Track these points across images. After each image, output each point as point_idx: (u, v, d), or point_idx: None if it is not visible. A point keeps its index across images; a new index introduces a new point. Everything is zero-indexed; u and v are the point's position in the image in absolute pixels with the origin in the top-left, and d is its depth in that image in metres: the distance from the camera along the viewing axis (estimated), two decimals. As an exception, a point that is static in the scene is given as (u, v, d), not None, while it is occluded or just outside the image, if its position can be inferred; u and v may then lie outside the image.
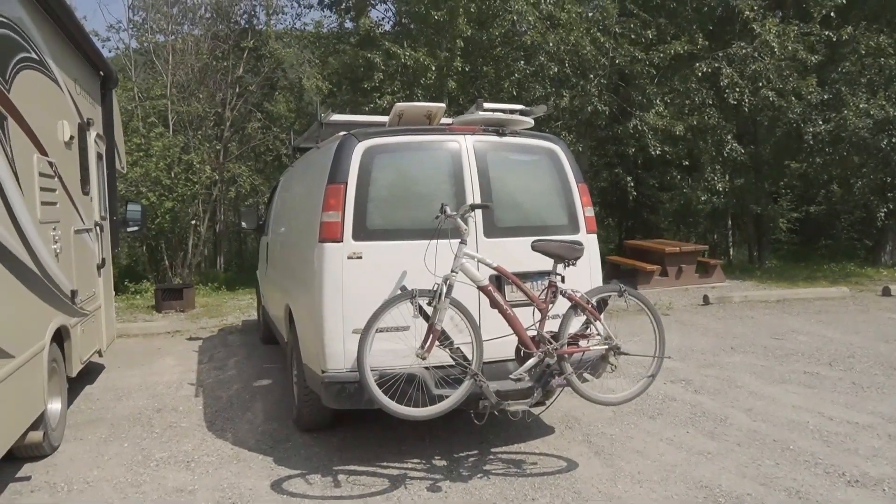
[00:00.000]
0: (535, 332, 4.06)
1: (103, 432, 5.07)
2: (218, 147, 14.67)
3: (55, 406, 4.70)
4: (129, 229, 7.82)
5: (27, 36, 4.62)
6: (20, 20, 4.49)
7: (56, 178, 5.05)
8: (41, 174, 4.62)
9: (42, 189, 4.61)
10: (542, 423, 5.04)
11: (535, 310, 4.10)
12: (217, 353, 7.78)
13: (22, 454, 4.34)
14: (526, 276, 4.32)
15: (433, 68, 13.40)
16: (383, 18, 17.26)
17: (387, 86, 13.81)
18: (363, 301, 4.12)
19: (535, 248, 4.17)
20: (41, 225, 4.53)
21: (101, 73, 7.06)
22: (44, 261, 4.53)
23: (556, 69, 13.43)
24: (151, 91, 14.46)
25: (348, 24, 16.61)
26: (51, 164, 4.90)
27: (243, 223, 8.33)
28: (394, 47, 13.39)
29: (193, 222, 13.51)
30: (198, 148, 13.78)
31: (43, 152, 4.72)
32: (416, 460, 4.43)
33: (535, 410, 4.69)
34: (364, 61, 13.95)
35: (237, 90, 15.46)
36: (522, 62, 13.76)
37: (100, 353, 6.26)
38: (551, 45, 13.23)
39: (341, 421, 5.00)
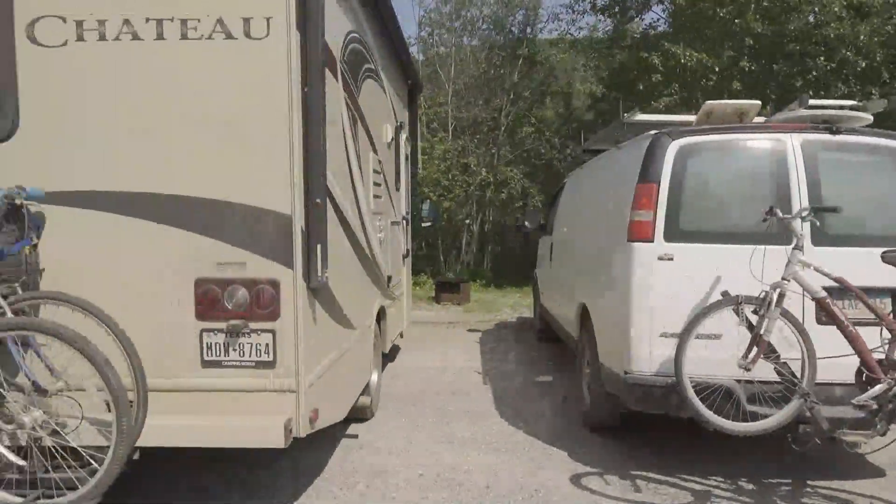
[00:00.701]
0: (881, 356, 3.57)
1: (410, 406, 5.57)
2: (493, 151, 15.41)
3: (375, 377, 5.28)
4: (423, 224, 8.55)
5: (369, 49, 5.25)
6: (366, 36, 5.12)
7: (381, 175, 5.66)
8: (374, 171, 5.21)
9: (374, 184, 5.20)
10: (868, 462, 4.42)
11: (883, 330, 3.60)
12: (496, 346, 8.15)
13: (351, 415, 4.93)
14: (864, 292, 3.81)
15: (716, 69, 12.63)
16: (658, 20, 16.66)
17: (663, 88, 13.35)
18: (673, 304, 4.02)
19: (886, 259, 3.66)
20: (373, 215, 5.11)
21: (409, 80, 7.79)
22: (374, 247, 5.10)
23: (863, 64, 11.81)
24: (435, 99, 15.67)
25: (622, 27, 16.42)
26: (379, 161, 5.51)
27: (526, 223, 8.62)
28: (673, 47, 12.88)
29: (467, 221, 14.37)
30: (474, 151, 14.62)
31: (374, 151, 5.32)
32: (719, 478, 4.16)
33: (866, 448, 4.12)
34: (640, 63, 13.65)
35: (511, 96, 16.09)
36: (822, 58, 12.33)
37: (401, 335, 6.91)
38: (862, 37, 11.66)
39: (630, 424, 4.89)
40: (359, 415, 4.96)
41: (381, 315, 5.51)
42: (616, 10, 16.17)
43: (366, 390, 4.84)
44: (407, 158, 7.62)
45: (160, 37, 3.13)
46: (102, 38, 3.13)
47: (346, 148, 4.21)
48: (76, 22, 3.13)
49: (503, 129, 15.72)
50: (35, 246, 3.00)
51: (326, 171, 3.32)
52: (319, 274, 3.21)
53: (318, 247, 3.20)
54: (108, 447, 2.62)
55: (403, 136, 7.12)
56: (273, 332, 3.13)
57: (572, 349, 6.08)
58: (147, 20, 3.12)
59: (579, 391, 5.44)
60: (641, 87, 13.64)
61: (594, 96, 15.71)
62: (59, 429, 2.67)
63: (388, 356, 7.12)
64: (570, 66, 16.45)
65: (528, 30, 17.28)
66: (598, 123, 15.70)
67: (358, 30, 4.78)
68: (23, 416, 2.62)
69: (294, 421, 3.13)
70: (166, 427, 3.03)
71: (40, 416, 2.66)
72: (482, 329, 9.34)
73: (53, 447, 2.64)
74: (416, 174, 8.22)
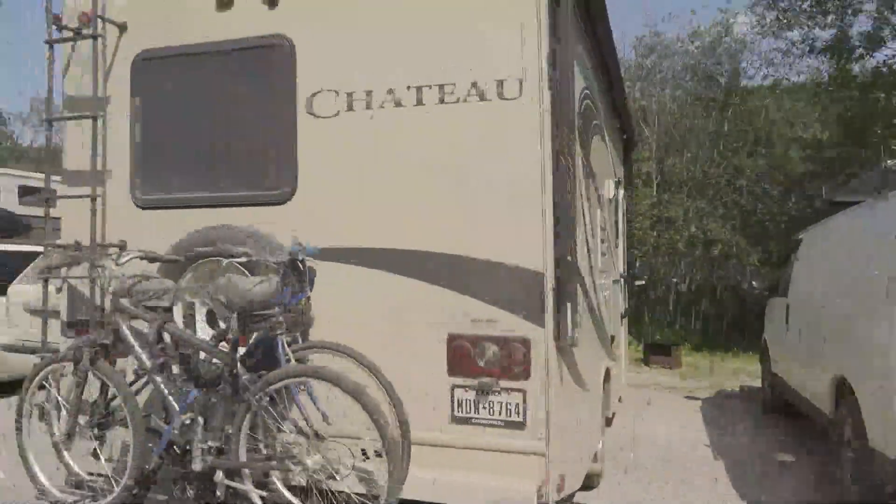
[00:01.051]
0: None
1: (638, 474, 5.21)
2: (701, 205, 14.60)
3: (601, 443, 5.02)
4: (636, 283, 8.20)
5: (596, 105, 5.21)
6: (594, 93, 5.09)
7: (605, 232, 5.52)
8: (601, 228, 5.09)
9: (601, 241, 5.07)
10: None
11: None
12: (721, 417, 7.47)
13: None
14: None
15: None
16: (893, 56, 14.93)
17: (904, 132, 11.91)
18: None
19: None
20: (599, 273, 4.96)
21: (625, 135, 7.62)
22: (601, 306, 4.94)
23: None
24: (640, 154, 15.26)
25: (848, 66, 14.94)
26: (604, 218, 5.38)
27: (753, 283, 7.96)
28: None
29: (674, 280, 13.64)
30: (680, 206, 13.94)
31: (601, 208, 5.21)
32: None
33: None
34: (874, 105, 12.30)
35: (721, 148, 15.23)
36: None
37: (619, 399, 6.57)
38: None
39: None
40: (587, 482, 4.73)
41: (606, 377, 5.29)
42: (840, 49, 14.82)
43: (595, 457, 4.61)
44: (623, 215, 7.42)
45: (419, 102, 3.33)
46: (368, 106, 3.40)
47: (581, 205, 4.15)
48: (347, 94, 3.43)
49: (712, 182, 14.86)
50: (309, 298, 3.25)
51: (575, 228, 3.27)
52: (570, 333, 3.13)
53: (568, 305, 3.12)
54: (375, 495, 2.69)
55: (621, 192, 6.95)
56: (524, 391, 3.08)
57: (822, 426, 5.37)
58: (408, 88, 3.34)
59: (836, 475, 4.76)
60: (878, 132, 12.24)
61: (817, 144, 14.35)
62: (335, 474, 2.81)
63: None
64: (788, 114, 15.22)
65: (737, 77, 16.41)
66: (823, 173, 14.28)
67: (589, 86, 4.77)
68: (306, 459, 2.79)
69: (544, 487, 3.02)
70: (419, 480, 3.06)
71: (320, 460, 2.82)
72: (701, 397, 8.64)
73: (329, 492, 2.78)
74: (631, 232, 7.97)
